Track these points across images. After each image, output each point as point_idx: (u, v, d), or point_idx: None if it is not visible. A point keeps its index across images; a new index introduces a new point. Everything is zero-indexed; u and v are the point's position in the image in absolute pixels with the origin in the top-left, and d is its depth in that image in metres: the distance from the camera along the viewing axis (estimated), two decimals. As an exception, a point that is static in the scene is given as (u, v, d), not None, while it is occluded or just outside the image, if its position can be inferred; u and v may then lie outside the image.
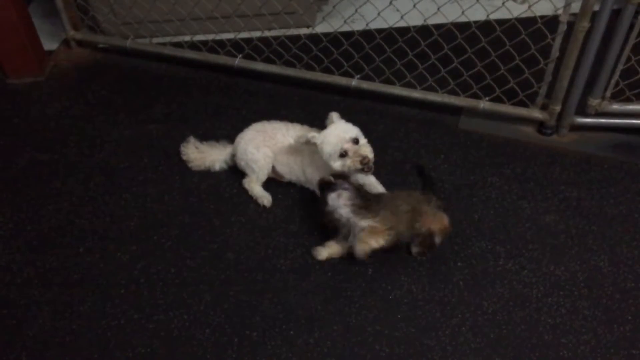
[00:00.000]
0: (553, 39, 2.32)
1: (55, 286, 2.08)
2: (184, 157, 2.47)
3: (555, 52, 2.35)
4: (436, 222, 2.04)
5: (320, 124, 2.43)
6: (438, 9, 2.50)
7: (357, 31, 2.74)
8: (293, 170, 2.33)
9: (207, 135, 2.56)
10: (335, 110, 2.18)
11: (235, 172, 2.41)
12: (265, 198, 2.32)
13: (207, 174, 2.45)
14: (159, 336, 1.93)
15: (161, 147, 2.58)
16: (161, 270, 2.12)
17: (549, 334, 1.91)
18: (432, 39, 2.60)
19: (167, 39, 3.08)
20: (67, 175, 2.48)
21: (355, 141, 2.11)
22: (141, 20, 3.03)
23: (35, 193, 2.41)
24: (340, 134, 2.10)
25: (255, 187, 2.35)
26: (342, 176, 2.04)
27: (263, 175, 2.33)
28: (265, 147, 2.30)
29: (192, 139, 2.49)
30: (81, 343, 1.92)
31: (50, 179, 2.47)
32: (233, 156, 2.41)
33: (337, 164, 2.11)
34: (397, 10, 2.54)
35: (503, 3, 2.41)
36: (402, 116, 2.71)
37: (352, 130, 2.12)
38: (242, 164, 2.36)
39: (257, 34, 2.94)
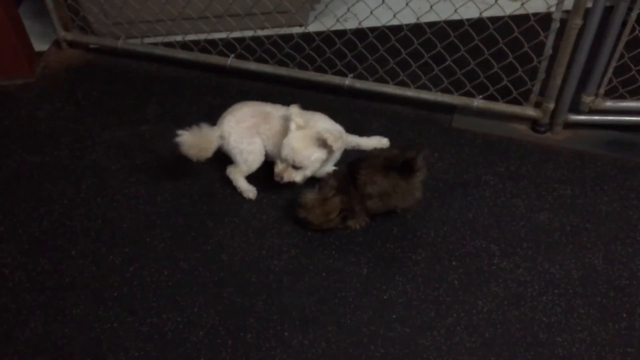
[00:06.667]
0: (546, 37, 2.32)
1: (47, 290, 2.06)
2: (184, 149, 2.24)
3: (548, 50, 2.34)
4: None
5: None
6: (431, 7, 2.49)
7: (350, 30, 2.73)
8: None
9: (199, 136, 2.54)
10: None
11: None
12: (250, 192, 2.32)
13: (199, 175, 2.43)
14: (153, 339, 1.92)
15: (153, 148, 2.56)
16: (154, 272, 2.10)
17: (544, 333, 1.90)
18: (425, 37, 2.59)
19: (159, 39, 3.06)
20: (58, 177, 2.46)
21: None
22: (132, 21, 3.01)
23: (26, 196, 2.39)
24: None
25: (240, 178, 2.33)
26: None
27: (254, 168, 2.32)
28: (258, 139, 2.29)
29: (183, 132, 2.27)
30: (74, 347, 1.90)
31: (41, 181, 2.45)
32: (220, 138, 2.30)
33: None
34: (390, 8, 2.53)
35: (496, 1, 2.40)
36: (395, 115, 2.70)
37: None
38: (234, 152, 2.30)
39: (249, 33, 2.92)
